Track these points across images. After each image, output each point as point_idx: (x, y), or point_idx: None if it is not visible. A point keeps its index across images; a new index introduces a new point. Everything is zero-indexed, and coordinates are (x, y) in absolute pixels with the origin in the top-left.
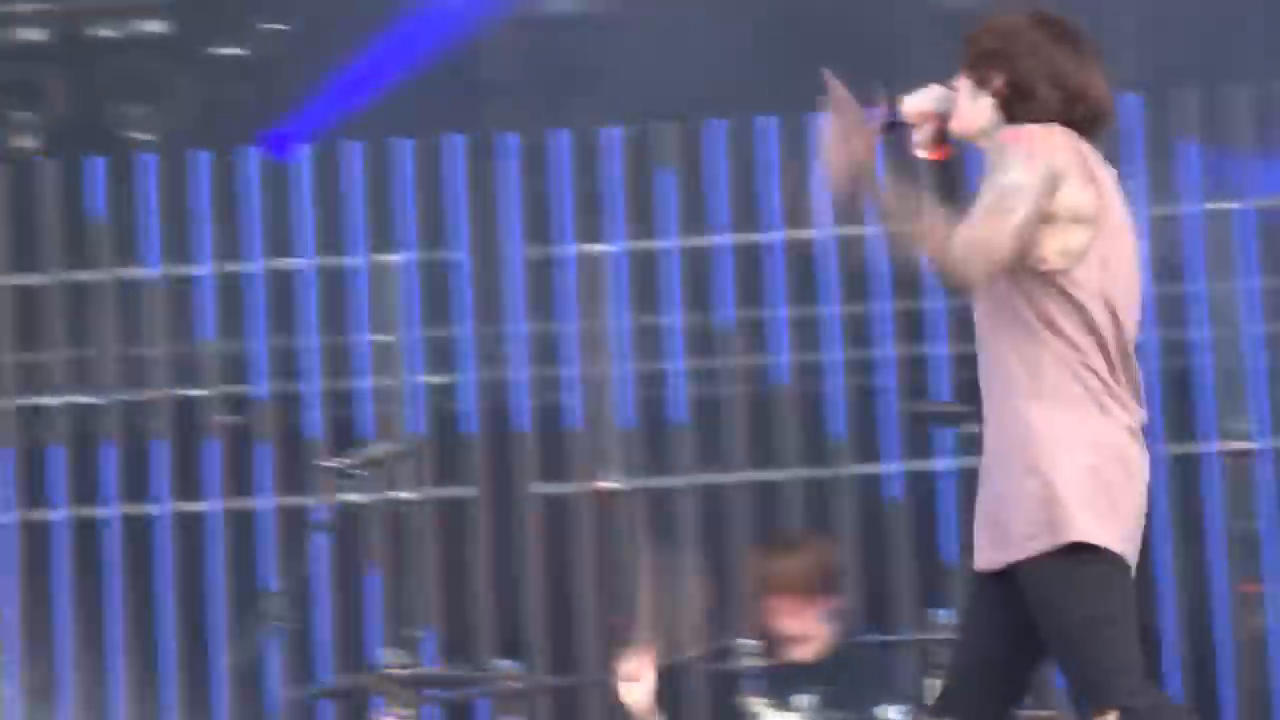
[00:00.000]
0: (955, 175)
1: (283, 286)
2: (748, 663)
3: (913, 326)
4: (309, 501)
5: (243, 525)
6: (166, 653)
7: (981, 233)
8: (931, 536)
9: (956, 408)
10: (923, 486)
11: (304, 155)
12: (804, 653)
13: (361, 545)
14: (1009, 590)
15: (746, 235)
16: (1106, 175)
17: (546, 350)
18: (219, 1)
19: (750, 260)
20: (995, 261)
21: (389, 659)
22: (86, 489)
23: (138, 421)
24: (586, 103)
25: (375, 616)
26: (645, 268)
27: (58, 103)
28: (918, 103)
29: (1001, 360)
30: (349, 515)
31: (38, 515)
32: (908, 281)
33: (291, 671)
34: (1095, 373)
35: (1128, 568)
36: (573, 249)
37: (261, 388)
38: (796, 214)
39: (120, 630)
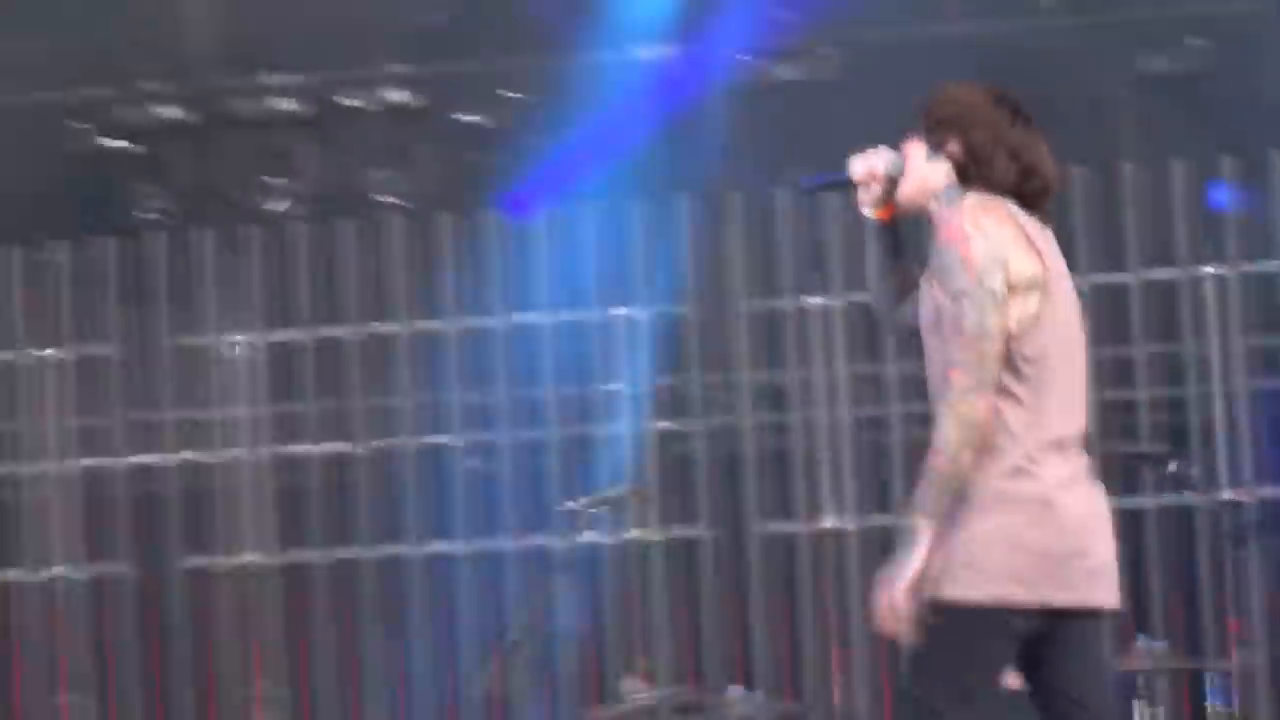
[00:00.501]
0: (898, 233)
1: (523, 339)
2: None
3: (1120, 373)
4: (550, 541)
5: (488, 564)
6: (419, 685)
7: (970, 406)
8: (1138, 569)
9: (1159, 449)
10: (1129, 523)
11: (541, 216)
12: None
13: (599, 582)
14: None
15: None
16: (1047, 243)
17: (771, 397)
18: (461, 73)
19: None
20: (989, 382)
21: (628, 687)
22: (342, 532)
23: (388, 468)
24: (808, 164)
25: (614, 648)
26: (863, 319)
27: (311, 169)
28: (867, 163)
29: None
30: (587, 554)
31: (296, 557)
32: (1116, 330)
33: (535, 702)
34: (1032, 428)
35: (1011, 611)
36: (795, 302)
37: (503, 435)
38: None
39: (376, 663)
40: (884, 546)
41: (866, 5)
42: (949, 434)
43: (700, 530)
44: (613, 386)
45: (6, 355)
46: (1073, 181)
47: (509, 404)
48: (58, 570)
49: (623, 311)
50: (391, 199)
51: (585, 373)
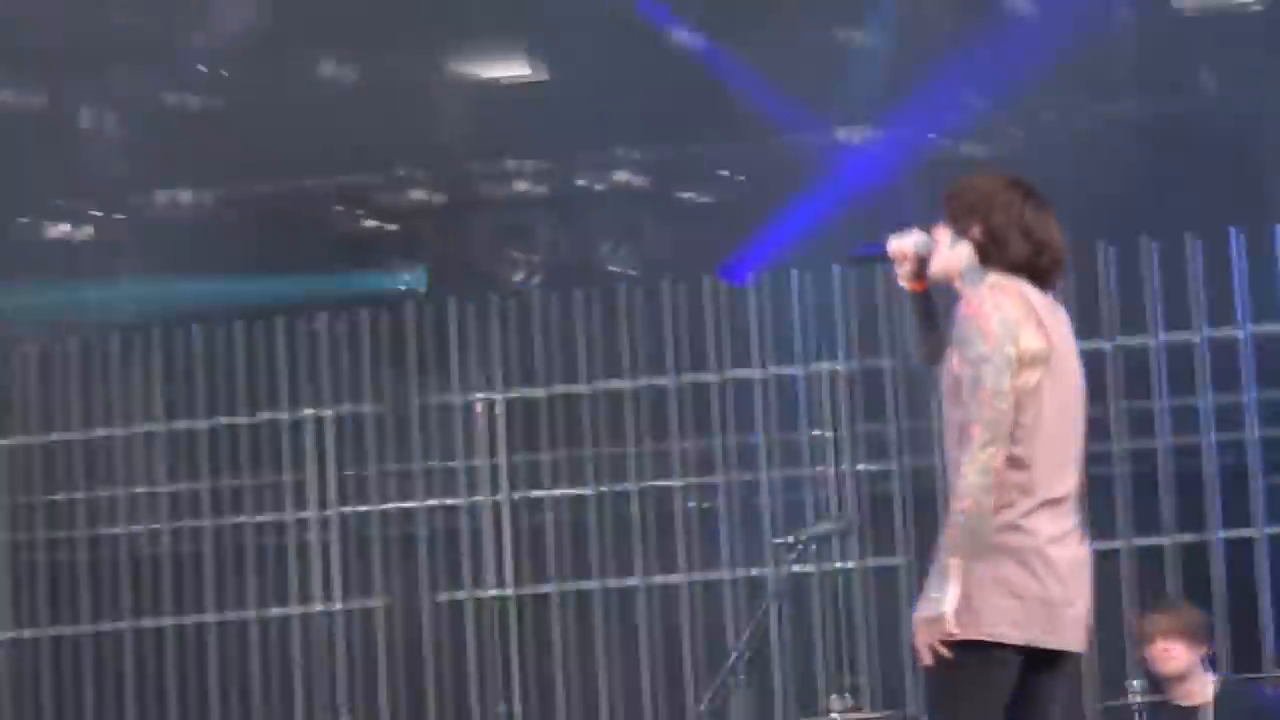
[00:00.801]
0: (932, 303)
1: (739, 392)
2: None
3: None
4: (765, 572)
5: (710, 594)
6: (649, 704)
7: (989, 456)
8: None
9: None
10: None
11: (756, 281)
12: (1188, 695)
13: (809, 609)
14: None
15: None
16: (1056, 319)
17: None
18: (686, 156)
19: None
20: (1001, 438)
21: (836, 705)
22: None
23: (618, 509)
24: None
25: (823, 669)
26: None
27: (550, 243)
28: (900, 244)
29: (952, 471)
30: (798, 584)
31: (534, 590)
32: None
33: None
34: (1027, 489)
35: (1004, 649)
36: None
37: (722, 477)
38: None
39: (610, 685)
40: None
41: (1044, 86)
42: (972, 480)
43: (898, 560)
44: (818, 432)
45: (280, 414)
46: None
47: (727, 449)
48: (324, 606)
49: (825, 366)
50: (622, 269)
51: (793, 420)
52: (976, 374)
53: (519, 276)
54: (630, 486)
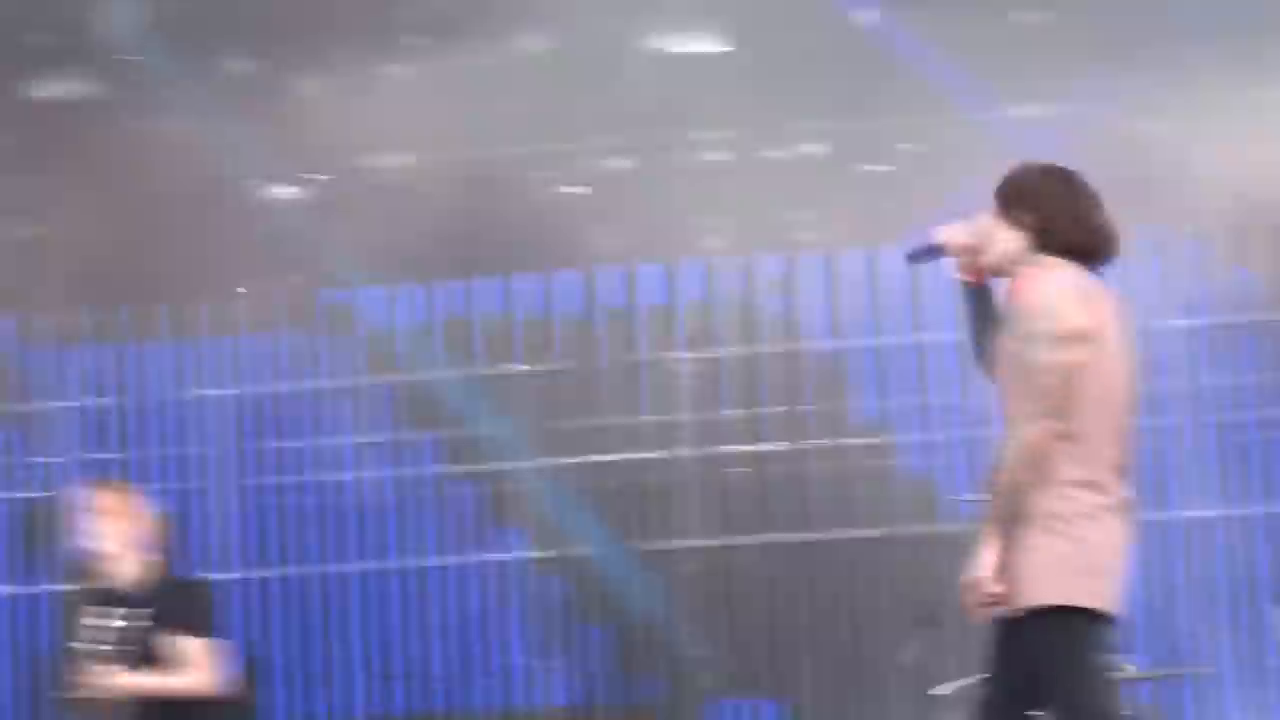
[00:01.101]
0: (987, 294)
1: (922, 358)
2: None
3: None
4: (944, 528)
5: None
6: (840, 651)
7: (1030, 431)
8: None
9: None
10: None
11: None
12: None
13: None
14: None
15: None
16: (1104, 299)
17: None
18: (870, 127)
19: None
20: (1052, 410)
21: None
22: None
23: (799, 465)
24: (1159, 210)
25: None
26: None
27: (735, 211)
28: (952, 234)
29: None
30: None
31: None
32: None
33: (944, 672)
34: (1079, 461)
35: (1095, 618)
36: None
37: (902, 436)
38: None
39: (796, 629)
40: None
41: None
42: (1010, 454)
43: None
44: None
45: (487, 369)
46: None
47: (908, 410)
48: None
49: None
50: (809, 237)
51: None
52: (1023, 351)
53: (706, 243)
54: (812, 444)
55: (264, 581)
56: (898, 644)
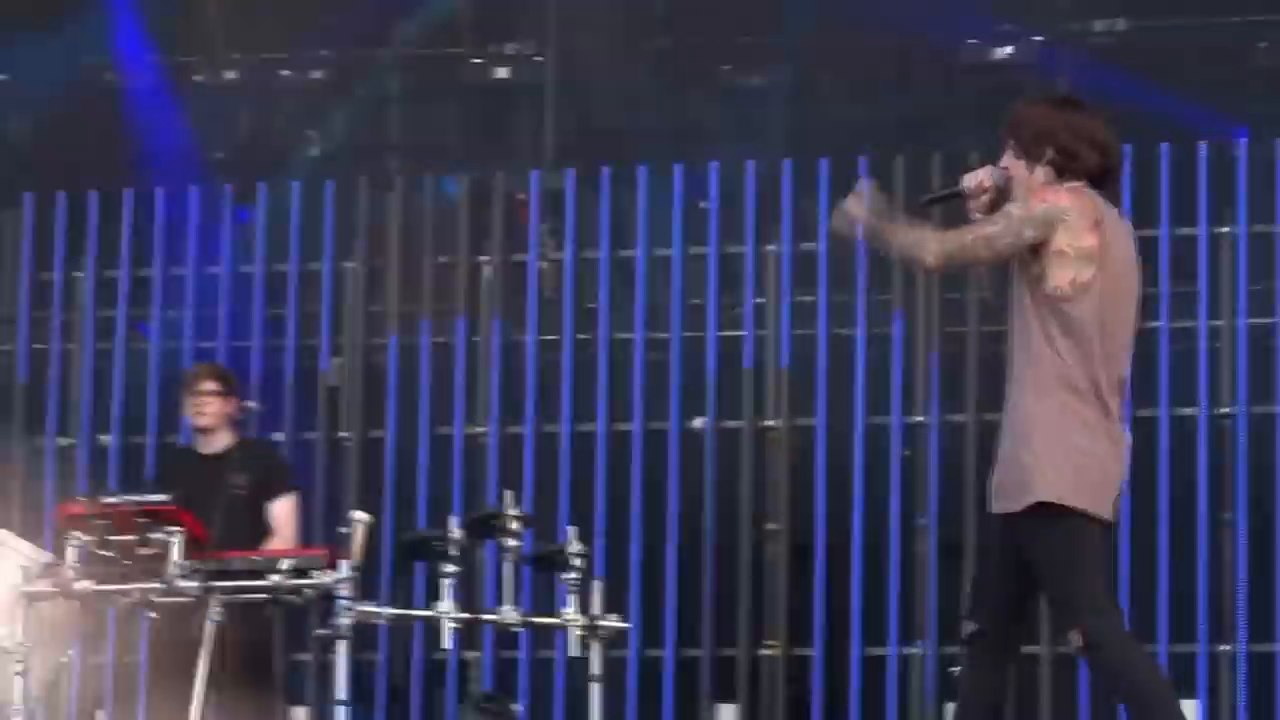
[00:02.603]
0: None
1: None
2: None
3: None
4: None
5: None
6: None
7: (962, 238)
8: None
9: None
10: None
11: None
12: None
13: None
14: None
15: None
16: (1115, 221)
17: None
18: None
19: None
20: (963, 255)
21: None
22: None
23: None
24: None
25: None
26: None
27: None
28: (976, 178)
29: (1014, 360)
30: None
31: None
32: None
33: None
34: (1079, 378)
35: (1093, 520)
36: None
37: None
38: None
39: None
40: None
41: None
42: (932, 245)
43: None
44: None
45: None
46: None
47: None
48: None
49: None
50: None
51: None
52: (1004, 213)
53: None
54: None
55: None
56: None
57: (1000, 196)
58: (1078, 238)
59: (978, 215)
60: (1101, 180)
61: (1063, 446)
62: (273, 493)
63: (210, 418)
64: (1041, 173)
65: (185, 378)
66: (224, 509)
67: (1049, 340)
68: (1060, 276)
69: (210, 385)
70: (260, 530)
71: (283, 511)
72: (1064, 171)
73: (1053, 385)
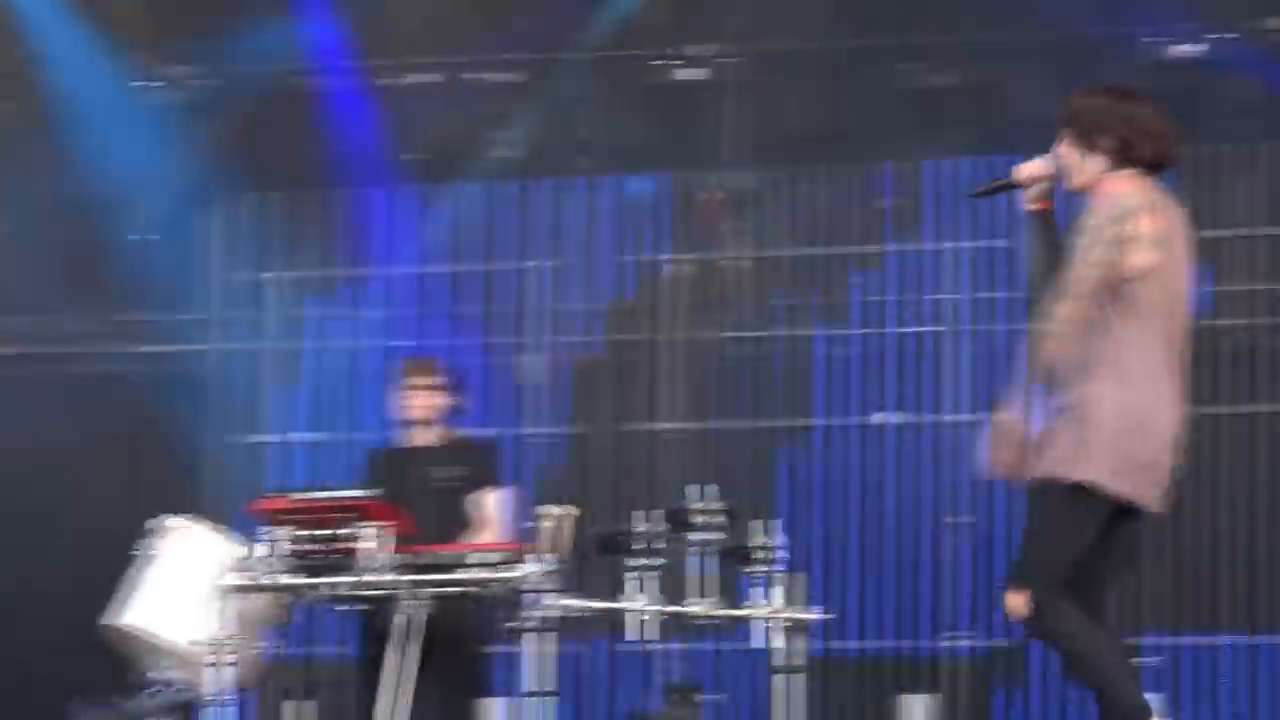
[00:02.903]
0: (1053, 221)
1: None
2: None
3: None
4: None
5: None
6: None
7: (1071, 306)
8: None
9: None
10: None
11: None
12: None
13: None
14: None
15: None
16: (1171, 208)
17: None
18: None
19: None
20: (1078, 294)
21: None
22: None
23: None
24: None
25: None
26: None
27: None
28: (1035, 168)
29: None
30: None
31: None
32: None
33: None
34: (1139, 359)
35: (1108, 501)
36: None
37: None
38: None
39: None
40: None
41: None
42: (1056, 329)
43: None
44: None
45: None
46: None
47: None
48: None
49: None
50: None
51: None
52: (1082, 240)
53: None
54: None
55: None
56: None
57: (1051, 185)
58: (1141, 223)
59: (1030, 206)
60: (1156, 169)
61: (1112, 428)
62: (484, 486)
63: (420, 410)
64: (1098, 163)
65: (397, 370)
66: (435, 502)
67: (1112, 324)
68: (1132, 260)
69: (422, 380)
70: (469, 523)
71: (494, 504)
72: (1120, 162)
73: (1113, 369)
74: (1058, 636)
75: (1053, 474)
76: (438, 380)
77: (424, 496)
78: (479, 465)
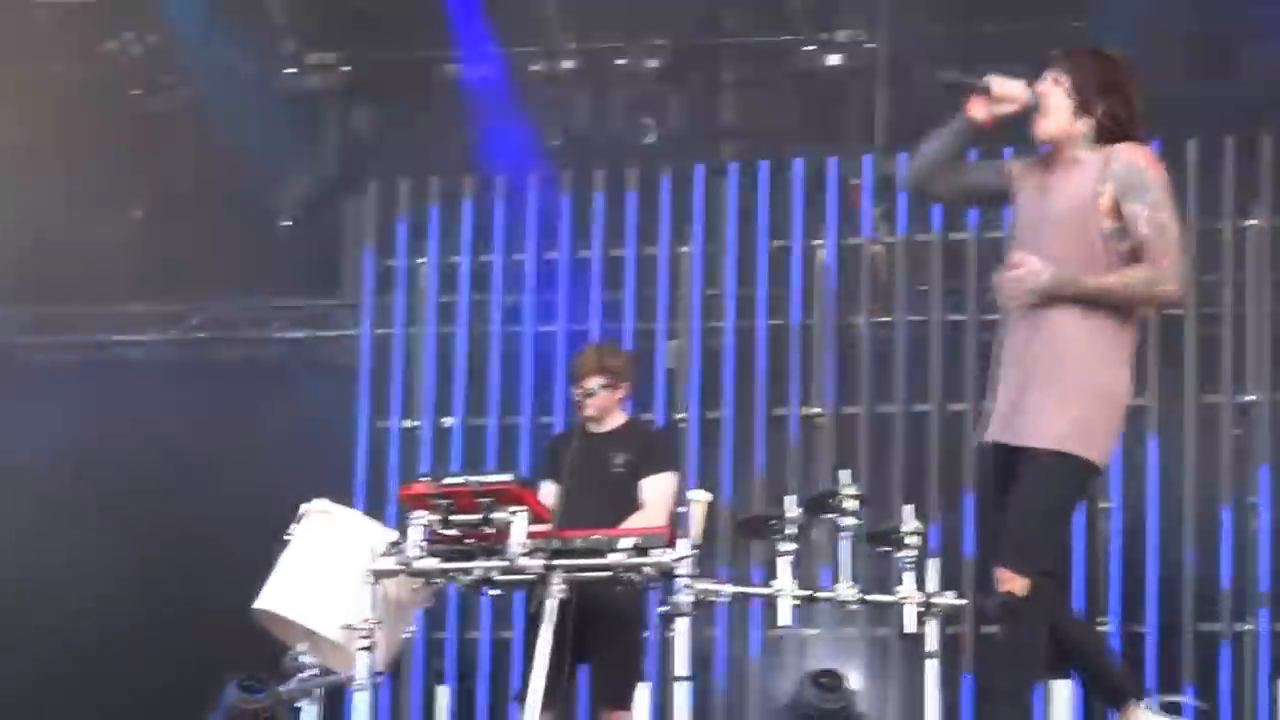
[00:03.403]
0: (967, 141)
1: None
2: None
3: None
4: None
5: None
6: None
7: (1169, 245)
8: None
9: None
10: None
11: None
12: None
13: None
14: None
15: None
16: None
17: None
18: None
19: None
20: (1180, 251)
21: None
22: None
23: None
24: None
25: None
26: None
27: None
28: (1009, 88)
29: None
30: None
31: None
32: None
33: None
34: (1125, 340)
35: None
36: None
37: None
38: None
39: None
40: None
41: None
42: (1146, 276)
43: None
44: None
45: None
46: None
47: None
48: None
49: None
50: None
51: None
52: (1159, 216)
53: None
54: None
55: None
56: None
57: (1016, 115)
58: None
59: (977, 115)
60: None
61: (1095, 403)
62: (649, 470)
63: (594, 409)
64: (1086, 125)
65: (570, 367)
66: (610, 487)
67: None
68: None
69: (592, 382)
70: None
71: (654, 489)
72: (1105, 134)
73: (1122, 352)
74: (1047, 620)
75: (1062, 448)
76: (605, 379)
77: (602, 483)
78: (650, 450)
